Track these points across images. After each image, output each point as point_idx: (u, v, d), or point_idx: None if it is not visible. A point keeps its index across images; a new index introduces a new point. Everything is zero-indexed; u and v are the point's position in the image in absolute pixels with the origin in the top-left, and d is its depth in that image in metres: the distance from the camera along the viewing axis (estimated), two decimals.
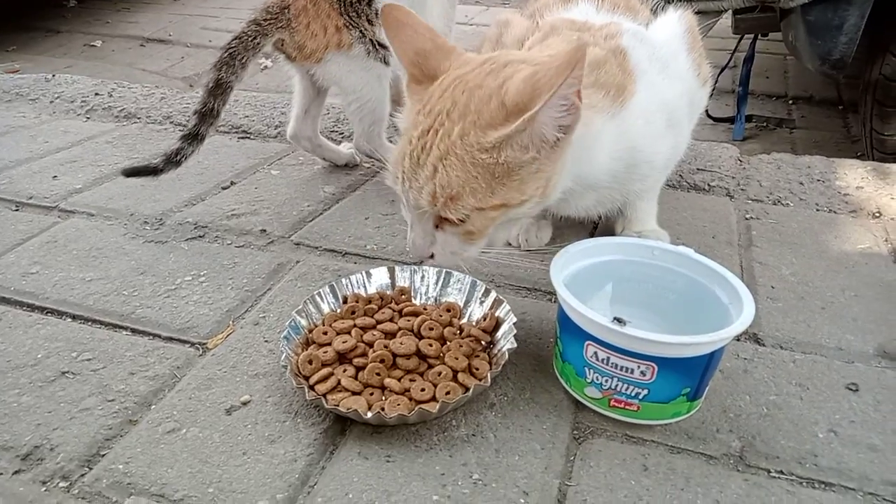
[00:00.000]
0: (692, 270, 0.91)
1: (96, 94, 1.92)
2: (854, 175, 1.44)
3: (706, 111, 2.77)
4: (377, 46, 1.35)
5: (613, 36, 0.97)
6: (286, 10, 1.28)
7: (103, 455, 0.78)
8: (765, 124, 2.77)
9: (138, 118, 1.78)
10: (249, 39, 1.25)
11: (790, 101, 3.00)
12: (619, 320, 0.76)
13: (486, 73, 0.80)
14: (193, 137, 1.24)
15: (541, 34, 1.01)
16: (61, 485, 0.75)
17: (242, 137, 1.68)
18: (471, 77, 0.80)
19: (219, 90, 1.24)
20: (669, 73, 1.01)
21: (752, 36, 2.40)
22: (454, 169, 0.76)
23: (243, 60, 1.25)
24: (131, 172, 1.24)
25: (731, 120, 2.70)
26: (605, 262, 0.94)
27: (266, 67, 3.52)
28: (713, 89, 2.74)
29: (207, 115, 1.24)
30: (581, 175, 0.89)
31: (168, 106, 1.83)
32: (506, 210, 0.80)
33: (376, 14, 1.35)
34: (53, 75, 2.06)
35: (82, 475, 0.76)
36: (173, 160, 1.24)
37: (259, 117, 1.76)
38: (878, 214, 1.31)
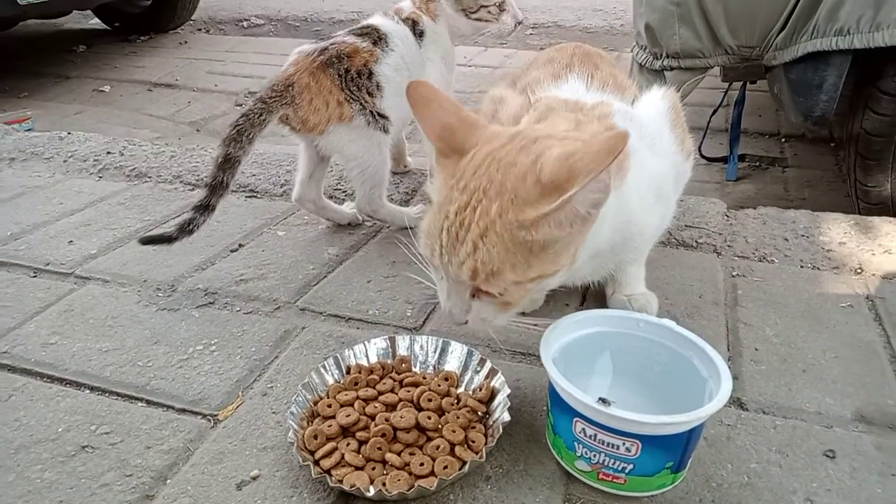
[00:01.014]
0: (675, 343, 0.96)
1: (108, 152, 2.00)
2: (837, 230, 1.50)
3: (699, 150, 2.84)
4: (377, 117, 1.42)
5: (606, 116, 1.03)
6: (290, 88, 1.36)
7: None
8: (758, 164, 2.84)
9: (149, 177, 1.85)
10: (256, 116, 1.33)
11: (783, 139, 3.07)
12: (603, 400, 0.81)
13: (517, 149, 0.84)
14: (205, 208, 1.32)
15: (537, 113, 1.07)
16: None
17: (250, 196, 1.75)
18: (503, 154, 0.84)
19: (227, 164, 1.31)
20: (656, 150, 1.07)
21: None
22: (494, 246, 0.80)
23: (250, 136, 1.32)
24: (147, 241, 1.31)
25: (724, 160, 2.77)
26: (594, 333, 1.00)
27: None
28: (706, 129, 2.84)
29: (217, 187, 1.31)
30: (588, 246, 0.94)
31: (178, 165, 1.90)
32: (541, 280, 0.85)
33: (377, 86, 1.42)
34: (68, 133, 2.14)
35: None
36: (186, 229, 1.31)
37: (265, 175, 1.83)
38: (859, 270, 1.37)
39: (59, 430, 1.00)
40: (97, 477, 0.91)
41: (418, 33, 1.56)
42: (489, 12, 1.55)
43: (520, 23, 1.59)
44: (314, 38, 5.03)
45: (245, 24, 5.35)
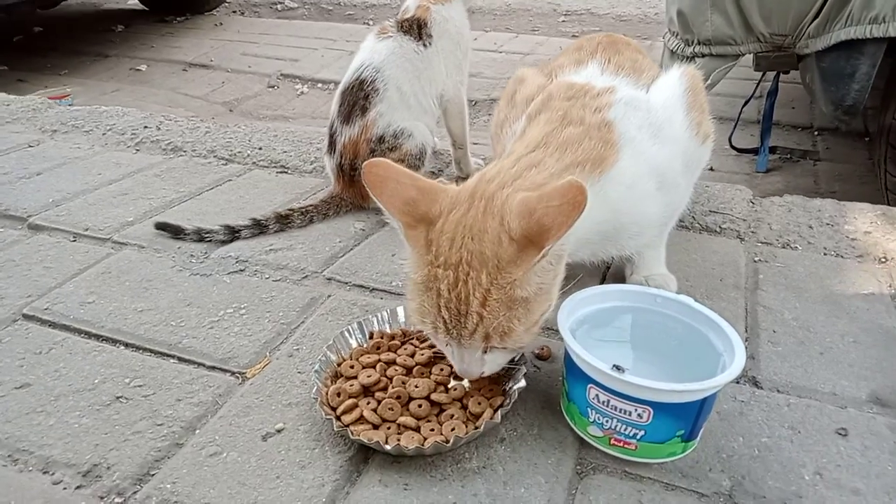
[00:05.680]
0: (692, 318, 0.97)
1: (145, 126, 2.05)
2: (863, 219, 1.49)
3: (729, 141, 2.82)
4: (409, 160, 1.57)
5: (602, 108, 1.03)
6: (342, 200, 1.58)
7: (153, 475, 0.88)
8: (789, 156, 2.80)
9: (184, 151, 1.91)
10: (324, 208, 1.55)
11: (815, 132, 3.02)
12: (617, 367, 0.83)
13: (481, 211, 0.86)
14: (232, 231, 1.44)
15: (539, 103, 1.08)
16: (117, 500, 0.85)
17: (281, 172, 1.79)
18: (470, 221, 0.86)
19: (284, 220, 1.49)
20: (663, 137, 1.06)
21: None
22: (498, 309, 0.83)
23: (311, 218, 1.53)
24: (161, 226, 1.45)
25: (755, 151, 2.74)
26: (611, 307, 1.02)
27: (302, 93, 3.66)
28: (738, 119, 2.81)
29: (259, 225, 1.46)
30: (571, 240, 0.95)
31: (212, 140, 1.95)
32: (542, 317, 0.89)
33: (394, 136, 1.55)
34: (107, 107, 2.20)
35: (134, 493, 0.86)
36: (202, 237, 1.43)
37: (296, 152, 1.87)
38: (883, 259, 1.36)
39: (96, 381, 1.05)
40: (130, 424, 0.96)
41: (426, 35, 1.57)
42: None
43: None
44: (346, 21, 5.07)
45: (279, 6, 5.41)
